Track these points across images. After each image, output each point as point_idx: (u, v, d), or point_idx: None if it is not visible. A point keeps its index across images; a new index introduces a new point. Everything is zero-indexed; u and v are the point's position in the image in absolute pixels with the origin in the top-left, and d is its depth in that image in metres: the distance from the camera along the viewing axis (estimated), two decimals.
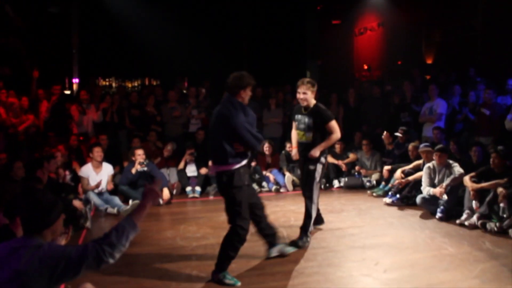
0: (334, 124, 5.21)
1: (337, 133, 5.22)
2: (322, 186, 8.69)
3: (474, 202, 5.96)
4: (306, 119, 5.25)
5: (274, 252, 4.74)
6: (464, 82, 9.42)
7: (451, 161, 6.58)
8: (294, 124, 5.50)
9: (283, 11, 15.11)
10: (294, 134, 5.55)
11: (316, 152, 5.10)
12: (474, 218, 5.84)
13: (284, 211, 6.91)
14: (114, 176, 7.67)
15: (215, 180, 4.74)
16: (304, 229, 5.28)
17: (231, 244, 4.21)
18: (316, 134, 5.23)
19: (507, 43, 9.42)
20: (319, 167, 5.22)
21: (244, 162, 4.25)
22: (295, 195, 8.24)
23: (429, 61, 12.23)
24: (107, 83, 15.65)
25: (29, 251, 2.35)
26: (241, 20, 15.74)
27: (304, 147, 5.31)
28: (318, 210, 5.60)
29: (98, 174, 7.17)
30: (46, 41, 12.24)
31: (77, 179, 7.42)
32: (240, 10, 15.45)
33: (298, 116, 5.37)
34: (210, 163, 7.42)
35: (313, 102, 5.29)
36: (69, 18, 12.89)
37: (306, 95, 5.21)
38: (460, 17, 11.16)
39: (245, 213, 4.24)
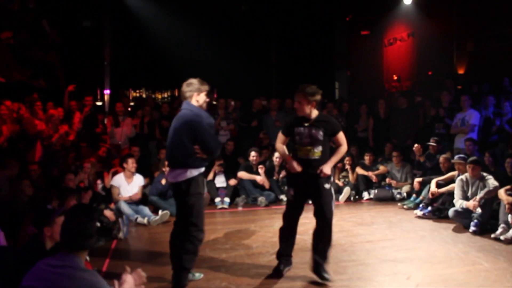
0: (342, 135, 4.75)
1: (345, 145, 4.76)
2: (352, 198, 8.63)
3: (510, 216, 5.79)
4: (313, 131, 4.54)
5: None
6: (498, 93, 9.23)
7: (485, 174, 6.42)
8: (294, 138, 4.66)
9: (311, 22, 15.13)
10: (284, 148, 4.78)
11: (328, 169, 4.52)
12: (510, 232, 5.67)
13: (314, 223, 6.81)
14: (145, 187, 7.76)
15: (172, 188, 4.59)
16: (325, 257, 4.61)
17: (187, 256, 4.21)
18: (325, 147, 4.63)
19: None
20: (331, 185, 4.69)
21: (203, 169, 4.28)
22: None
23: (461, 72, 12.03)
24: (138, 94, 15.90)
25: (77, 273, 2.40)
26: (270, 32, 15.82)
27: (309, 164, 4.55)
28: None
29: (130, 185, 7.27)
30: (79, 54, 12.57)
31: (107, 189, 7.55)
32: (269, 22, 15.53)
33: (300, 129, 4.58)
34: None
35: (314, 112, 4.59)
36: (101, 31, 13.21)
37: (299, 104, 4.50)
38: (493, 27, 10.96)
39: (201, 223, 4.27)
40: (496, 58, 10.86)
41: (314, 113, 4.58)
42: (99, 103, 12.91)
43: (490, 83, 9.98)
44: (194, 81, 4.53)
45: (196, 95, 4.42)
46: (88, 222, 2.56)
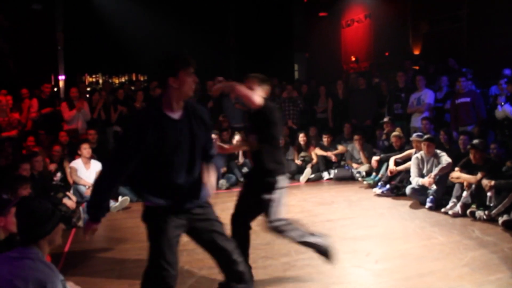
0: None
1: None
2: (314, 176, 8.72)
3: (465, 192, 5.99)
4: None
5: None
6: (449, 73, 9.47)
7: (438, 151, 6.62)
8: None
9: (269, 4, 15.07)
10: None
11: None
12: (457, 207, 5.91)
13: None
14: None
15: None
16: None
17: None
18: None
19: (493, 33, 9.48)
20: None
21: None
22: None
23: (417, 52, 12.28)
24: (94, 79, 15.50)
25: (36, 263, 2.33)
26: (228, 14, 15.67)
27: None
28: None
29: (88, 170, 7.08)
30: (30, 39, 12.06)
31: (67, 181, 7.31)
32: (227, 3, 15.37)
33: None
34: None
35: None
36: (53, 14, 12.71)
37: None
38: (446, 8, 11.20)
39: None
40: (449, 39, 11.13)
41: None
42: (54, 89, 12.51)
43: (442, 64, 10.23)
44: None
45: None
46: (36, 210, 2.48)
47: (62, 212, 5.76)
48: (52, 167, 7.22)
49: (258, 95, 3.63)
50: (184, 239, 5.30)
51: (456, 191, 6.13)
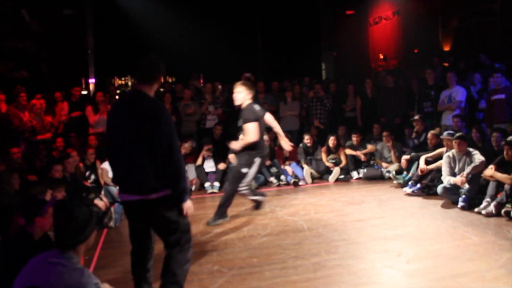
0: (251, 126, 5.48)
1: (251, 136, 5.49)
2: (343, 176, 8.67)
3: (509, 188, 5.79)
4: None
5: None
6: (480, 68, 9.26)
7: (471, 149, 6.46)
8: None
9: (296, 4, 15.03)
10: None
11: (234, 145, 5.78)
12: (491, 206, 5.74)
13: (304, 204, 6.88)
14: None
15: None
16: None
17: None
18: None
19: None
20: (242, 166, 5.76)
21: None
22: (314, 187, 8.22)
23: (447, 48, 12.04)
24: (123, 82, 15.75)
25: (66, 272, 2.37)
26: (255, 14, 15.70)
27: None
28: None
29: None
30: (62, 43, 12.36)
31: (99, 182, 7.44)
32: (254, 4, 15.40)
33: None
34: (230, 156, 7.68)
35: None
36: (83, 19, 13.00)
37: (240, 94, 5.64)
38: (477, 2, 10.95)
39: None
40: (481, 34, 10.87)
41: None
42: (84, 92, 12.78)
43: (474, 59, 10.01)
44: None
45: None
46: (77, 216, 2.50)
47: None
48: (83, 168, 7.36)
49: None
50: (214, 239, 5.35)
51: (491, 190, 5.97)
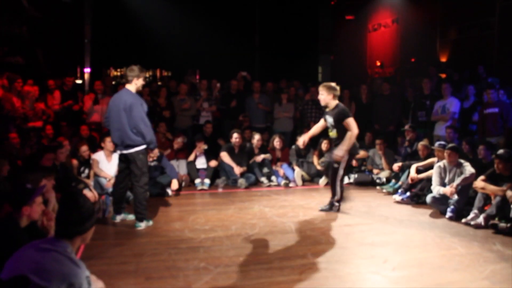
0: (350, 121, 6.08)
1: (354, 130, 6.07)
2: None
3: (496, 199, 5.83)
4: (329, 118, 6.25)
5: (118, 219, 5.88)
6: (476, 81, 9.32)
7: (462, 161, 6.50)
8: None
9: (296, 5, 15.03)
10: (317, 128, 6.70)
11: (339, 152, 6.15)
12: (480, 218, 5.77)
13: (293, 206, 6.89)
14: None
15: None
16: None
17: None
18: (339, 130, 6.18)
19: None
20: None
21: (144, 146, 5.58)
22: (304, 190, 8.23)
23: (444, 59, 12.11)
24: (119, 73, 15.65)
25: (61, 258, 2.36)
26: (254, 15, 15.67)
27: (332, 140, 6.51)
28: None
29: (110, 163, 7.15)
30: (59, 31, 12.26)
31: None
32: (253, 3, 15.38)
33: (325, 116, 6.43)
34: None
35: (333, 103, 6.26)
36: (82, 8, 12.90)
37: (322, 95, 6.28)
38: (476, 15, 11.02)
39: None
40: (478, 46, 10.95)
41: (332, 103, 6.26)
42: (79, 81, 12.69)
43: (470, 71, 10.07)
44: (135, 68, 5.54)
45: (135, 80, 5.52)
46: (82, 207, 2.52)
47: None
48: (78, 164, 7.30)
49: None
50: (201, 236, 5.34)
51: (478, 202, 6.00)
